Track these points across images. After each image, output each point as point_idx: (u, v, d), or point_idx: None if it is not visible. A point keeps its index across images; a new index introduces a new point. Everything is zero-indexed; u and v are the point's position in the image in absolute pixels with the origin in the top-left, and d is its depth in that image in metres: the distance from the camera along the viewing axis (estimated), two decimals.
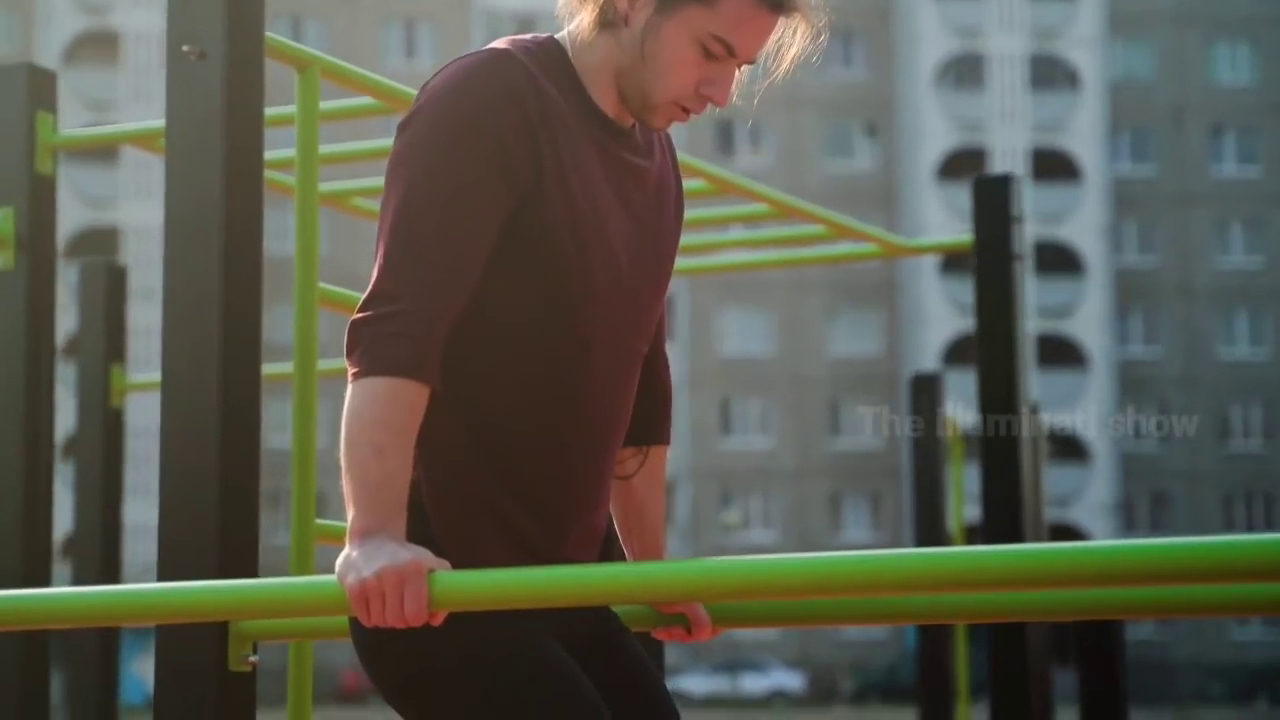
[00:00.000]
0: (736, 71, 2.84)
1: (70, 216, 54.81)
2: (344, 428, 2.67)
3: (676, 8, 2.77)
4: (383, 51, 57.98)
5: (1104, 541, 2.31)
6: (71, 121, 52.84)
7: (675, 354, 54.97)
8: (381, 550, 2.61)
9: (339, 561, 2.64)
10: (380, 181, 5.78)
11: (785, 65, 2.88)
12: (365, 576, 2.60)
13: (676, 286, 59.20)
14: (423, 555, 2.61)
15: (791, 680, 53.71)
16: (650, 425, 3.11)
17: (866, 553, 2.42)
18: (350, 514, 2.66)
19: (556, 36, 2.89)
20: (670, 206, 2.98)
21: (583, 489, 2.88)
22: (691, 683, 53.22)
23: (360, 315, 2.70)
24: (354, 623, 2.82)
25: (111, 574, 6.89)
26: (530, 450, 2.83)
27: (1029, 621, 5.83)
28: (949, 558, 2.39)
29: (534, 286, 2.79)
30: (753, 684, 53.44)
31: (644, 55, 2.79)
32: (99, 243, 54.50)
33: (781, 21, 2.83)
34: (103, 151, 55.51)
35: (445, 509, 2.81)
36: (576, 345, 2.82)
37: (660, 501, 3.14)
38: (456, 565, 2.71)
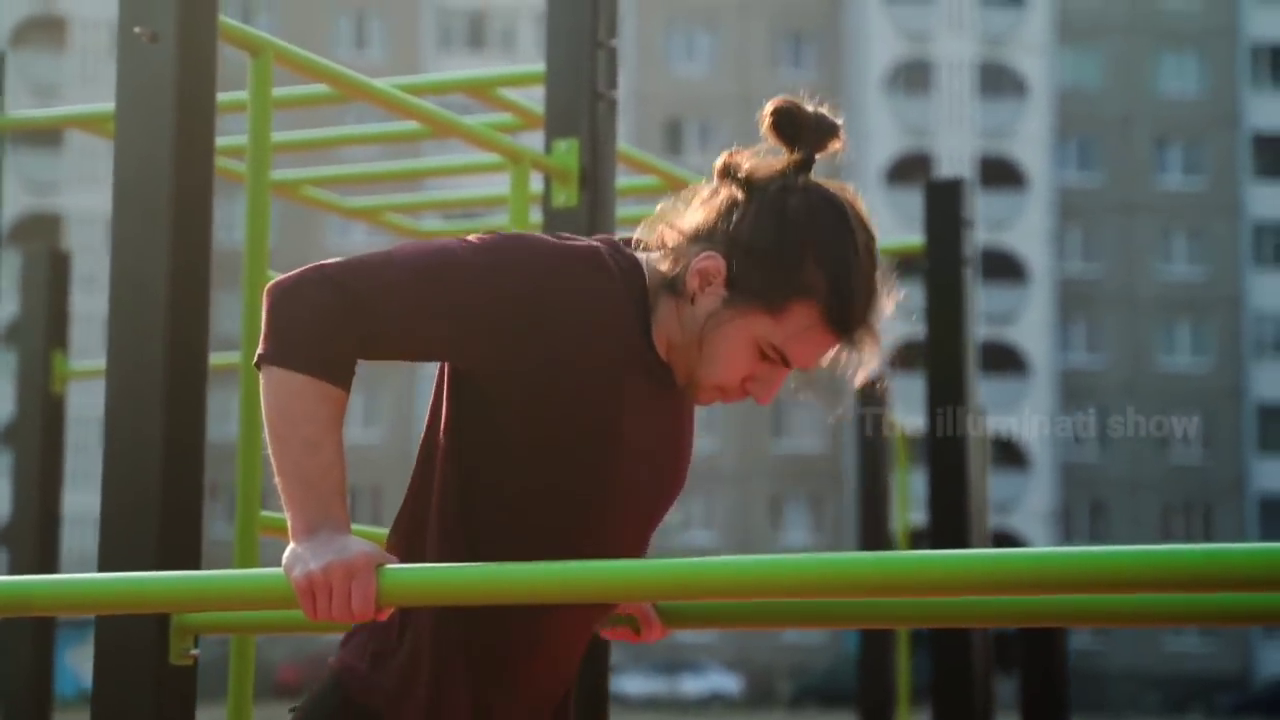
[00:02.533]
0: (788, 373, 2.80)
1: (13, 201, 54.39)
2: (270, 425, 2.61)
3: (744, 309, 2.73)
4: (333, 42, 57.75)
5: (1048, 548, 2.30)
6: (17, 106, 52.46)
7: None
8: (329, 545, 2.57)
9: (285, 555, 2.60)
10: (334, 170, 5.75)
11: (856, 382, 2.83)
12: (312, 570, 2.56)
13: None
14: (371, 549, 2.57)
15: (729, 683, 53.72)
16: None
17: (813, 555, 2.40)
18: (289, 513, 2.61)
19: (639, 257, 2.82)
20: (691, 426, 2.93)
21: (558, 666, 2.85)
22: (630, 683, 53.18)
23: (291, 281, 2.63)
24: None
25: (49, 563, 6.82)
26: (514, 625, 2.78)
27: (972, 627, 5.84)
28: (895, 562, 2.37)
29: (549, 484, 2.73)
30: (691, 685, 53.43)
31: (701, 340, 2.75)
32: (42, 228, 54.11)
33: (844, 345, 2.78)
34: (47, 136, 55.13)
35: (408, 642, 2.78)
36: (584, 546, 2.75)
37: None
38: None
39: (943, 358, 6.22)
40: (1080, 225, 60.37)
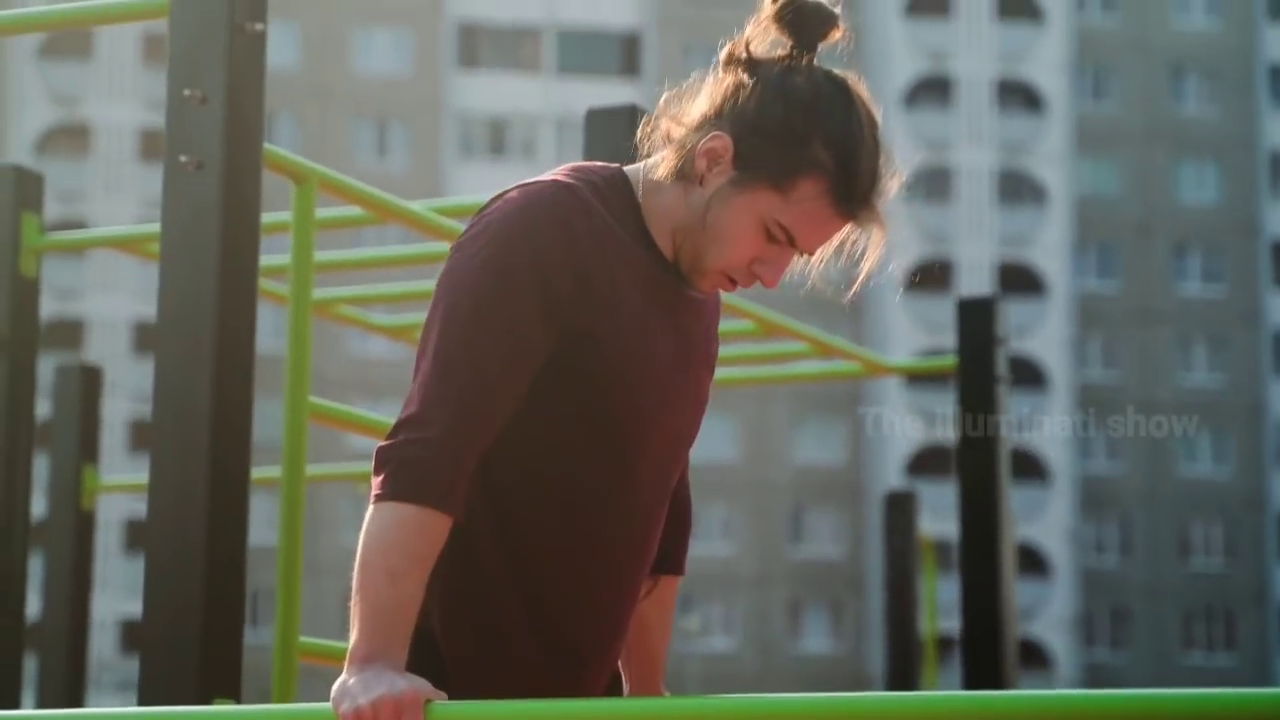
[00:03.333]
0: (793, 256, 2.83)
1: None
2: (361, 549, 2.63)
3: (751, 185, 2.76)
4: (354, 148, 58.13)
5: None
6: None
7: None
8: (380, 679, 2.56)
9: (335, 687, 2.59)
10: (369, 289, 5.79)
11: (863, 272, 2.90)
12: (360, 705, 2.55)
13: None
14: (420, 685, 2.57)
15: None
16: (667, 551, 3.06)
17: (872, 695, 2.39)
18: (353, 637, 2.61)
19: (626, 169, 2.86)
20: (712, 340, 2.95)
21: (605, 625, 2.84)
22: None
23: (390, 440, 2.67)
24: None
25: (77, 672, 6.81)
26: (559, 583, 2.79)
27: None
28: (957, 701, 2.34)
29: (578, 415, 2.75)
30: None
31: (706, 220, 2.77)
32: (64, 335, 54.34)
33: (851, 226, 2.83)
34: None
35: (458, 638, 2.77)
36: (618, 475, 2.78)
37: (667, 628, 3.10)
38: (463, 695, 2.67)
39: (976, 471, 6.24)
40: (1100, 332, 60.41)
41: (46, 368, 7.08)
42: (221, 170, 3.48)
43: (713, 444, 58.29)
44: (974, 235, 59.61)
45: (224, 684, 3.38)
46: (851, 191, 2.78)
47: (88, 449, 6.89)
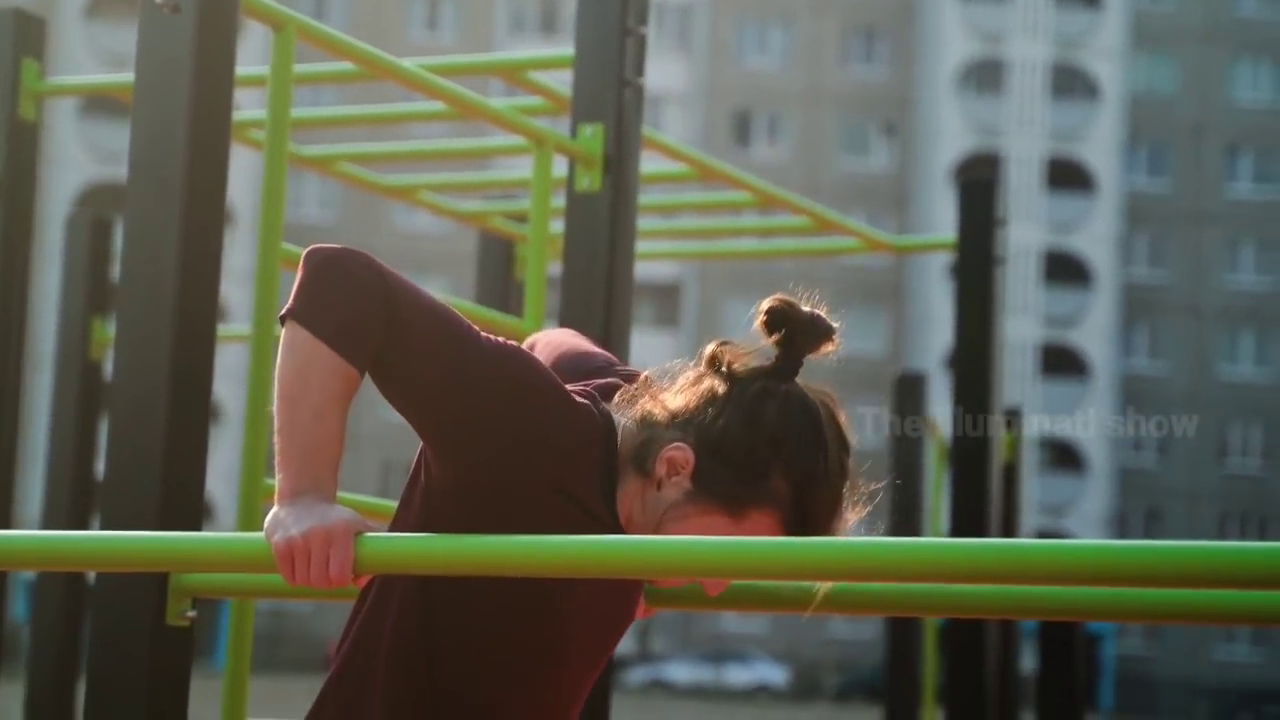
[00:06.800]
0: None
1: (82, 170, 54.80)
2: (281, 382, 2.63)
3: (705, 504, 2.74)
4: (407, 23, 57.92)
5: (1056, 541, 2.29)
6: (91, 75, 52.80)
7: (682, 341, 54.91)
8: (311, 511, 2.60)
9: (268, 519, 2.63)
10: (363, 147, 5.81)
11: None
12: (292, 535, 2.59)
13: (685, 274, 59.08)
14: (350, 516, 2.61)
15: (776, 674, 53.70)
16: None
17: (790, 540, 2.42)
18: (280, 475, 2.65)
19: (615, 418, 2.82)
20: (632, 614, 2.96)
21: None
22: (676, 671, 53.22)
23: (337, 250, 2.65)
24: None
25: (80, 527, 6.89)
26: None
27: (987, 619, 5.85)
28: (885, 548, 2.37)
29: (505, 628, 2.77)
30: (737, 676, 53.44)
31: (659, 527, 2.76)
32: (109, 197, 54.48)
33: None
34: (116, 106, 55.42)
35: None
36: (533, 690, 2.80)
37: None
38: None
39: (970, 358, 6.23)
40: (1147, 231, 60.04)
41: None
42: (197, 13, 3.50)
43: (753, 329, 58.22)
44: (1024, 129, 59.17)
45: (183, 522, 3.44)
46: (803, 527, 2.75)
47: (97, 301, 6.94)
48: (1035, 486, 53.87)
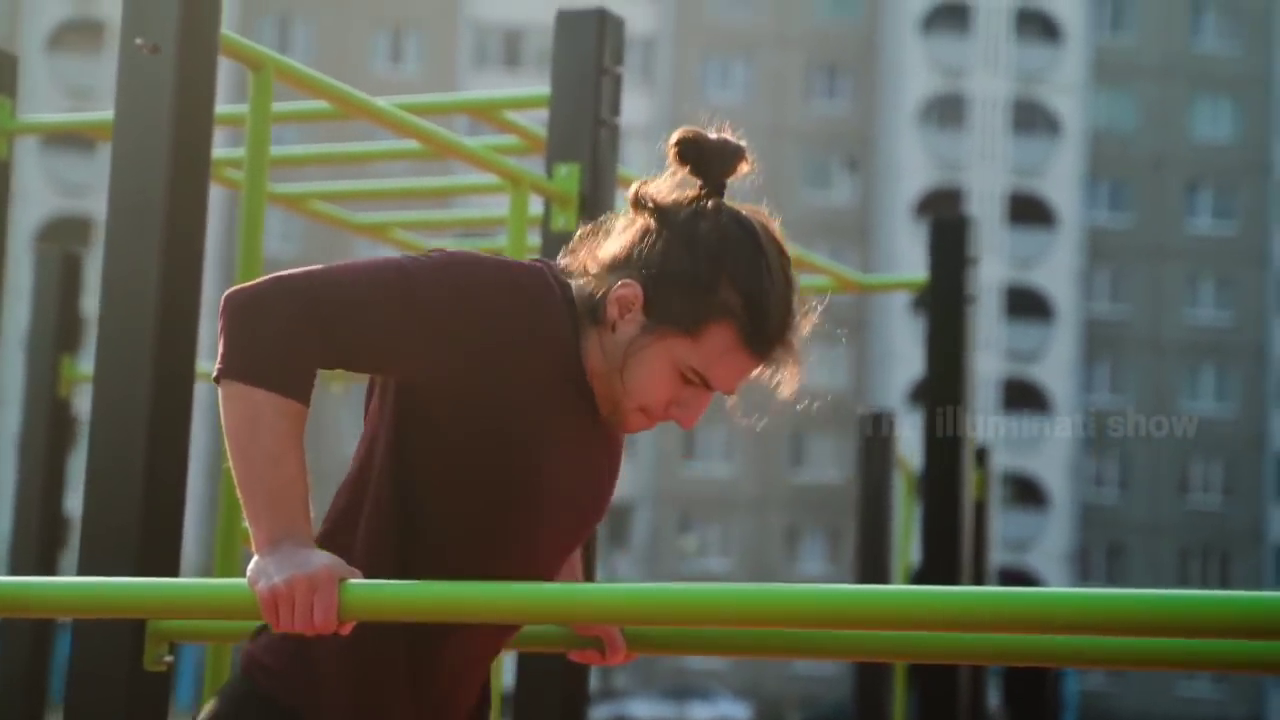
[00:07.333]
0: (710, 396, 2.86)
1: (44, 203, 54.61)
2: (231, 438, 2.63)
3: (662, 333, 2.78)
4: (370, 55, 57.92)
5: (1032, 589, 2.29)
6: (53, 108, 52.62)
7: None
8: (293, 557, 2.60)
9: (250, 567, 2.63)
10: (338, 185, 5.80)
11: (784, 396, 2.91)
12: (276, 583, 2.59)
13: None
14: (333, 563, 2.61)
15: (739, 711, 53.57)
16: None
17: (759, 586, 2.42)
18: (252, 528, 2.64)
19: (569, 283, 2.86)
20: (615, 471, 2.97)
21: (475, 646, 2.89)
22: (639, 707, 53.10)
23: (251, 292, 2.65)
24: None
25: (49, 567, 6.85)
26: (426, 635, 2.82)
27: (957, 664, 5.85)
28: (845, 596, 2.37)
29: (477, 484, 2.77)
30: (700, 712, 53.31)
31: (622, 368, 2.80)
32: (70, 231, 54.31)
33: (763, 365, 2.85)
34: (79, 139, 55.34)
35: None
36: (501, 544, 2.81)
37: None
38: (307, 669, 2.77)
39: (942, 394, 6.24)
40: (1108, 266, 60.28)
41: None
42: (177, 55, 3.49)
43: None
44: (986, 163, 59.40)
45: (162, 567, 3.42)
46: (761, 333, 2.80)
47: (67, 339, 6.91)
48: (998, 522, 53.94)
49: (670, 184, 2.86)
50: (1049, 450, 57.91)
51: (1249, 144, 60.63)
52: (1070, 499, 58.28)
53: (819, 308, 2.90)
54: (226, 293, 2.67)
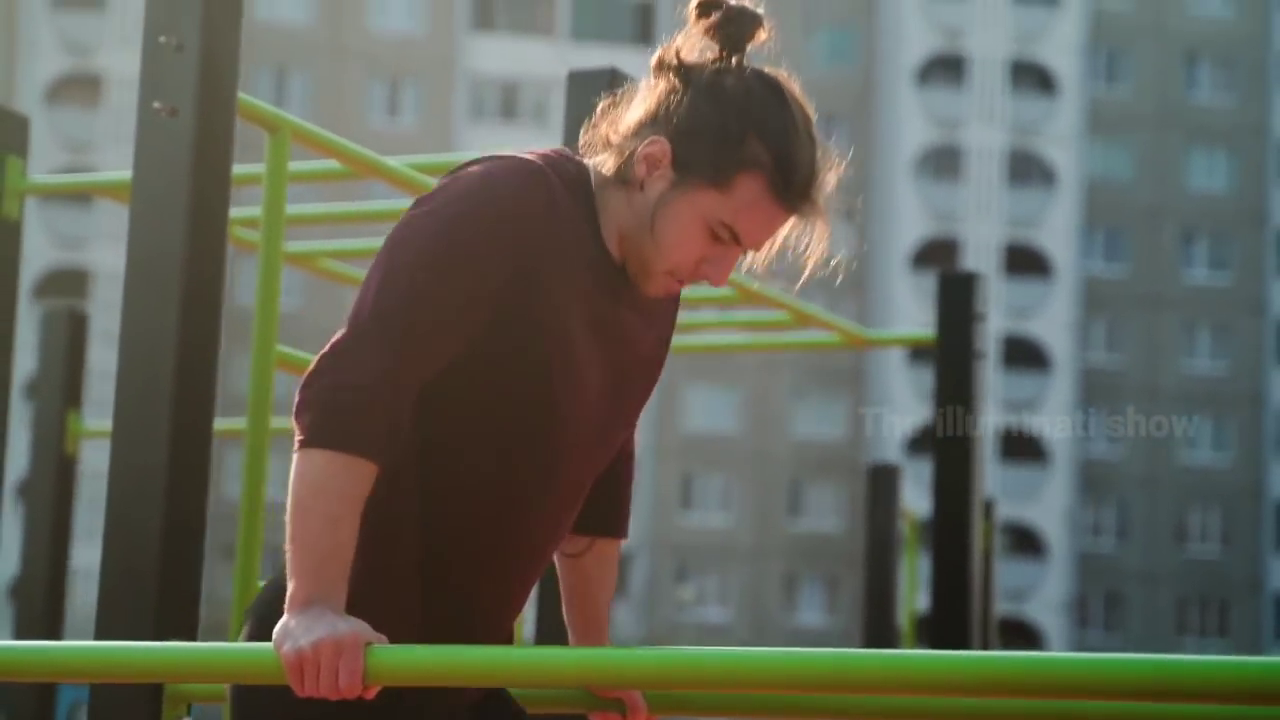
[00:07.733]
0: (740, 255, 2.87)
1: (41, 256, 54.68)
2: (295, 494, 2.64)
3: (691, 187, 2.80)
4: (366, 107, 58.07)
5: (1030, 653, 2.29)
6: (50, 162, 52.72)
7: (640, 425, 54.88)
8: (320, 621, 2.60)
9: (276, 629, 2.62)
10: (349, 244, 5.81)
11: (808, 265, 2.94)
12: (302, 646, 2.58)
13: None
14: (360, 628, 2.60)
15: None
16: (602, 516, 3.10)
17: (788, 650, 2.41)
18: (292, 582, 2.64)
19: (586, 163, 2.89)
20: (662, 341, 3.00)
21: (499, 595, 2.90)
22: None
23: (316, 380, 2.68)
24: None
25: (55, 621, 6.85)
26: (464, 544, 2.83)
27: None
28: (861, 660, 2.36)
29: (508, 403, 2.79)
30: None
31: (652, 226, 2.81)
32: (68, 283, 54.39)
33: (794, 219, 2.87)
34: (77, 193, 55.37)
35: (356, 584, 2.78)
36: (540, 462, 2.82)
37: (610, 583, 3.14)
38: None
39: (950, 448, 6.24)
40: (1104, 316, 60.37)
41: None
42: (195, 117, 3.51)
43: (713, 415, 58.35)
44: (982, 215, 59.54)
45: (180, 628, 3.42)
46: (790, 184, 2.82)
47: (72, 394, 6.93)
48: (997, 572, 53.84)
49: (692, 47, 2.87)
50: (1046, 499, 57.88)
51: (1244, 194, 60.81)
52: (1068, 548, 58.23)
53: (843, 166, 2.91)
54: (305, 374, 2.69)
